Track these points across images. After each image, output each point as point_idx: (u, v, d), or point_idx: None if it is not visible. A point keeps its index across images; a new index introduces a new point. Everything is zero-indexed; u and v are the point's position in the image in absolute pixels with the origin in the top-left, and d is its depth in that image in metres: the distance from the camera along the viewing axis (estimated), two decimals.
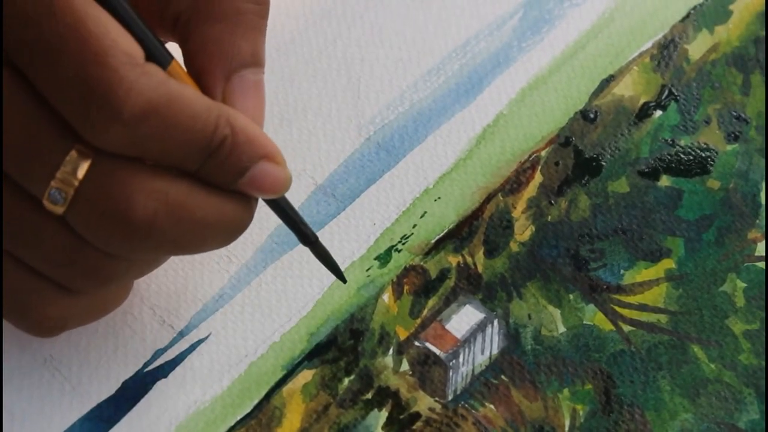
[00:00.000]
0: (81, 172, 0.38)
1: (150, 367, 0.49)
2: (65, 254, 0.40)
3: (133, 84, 0.37)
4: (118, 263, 0.42)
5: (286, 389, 0.49)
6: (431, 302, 0.51)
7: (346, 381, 0.49)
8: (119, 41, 0.37)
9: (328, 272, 0.50)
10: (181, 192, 0.40)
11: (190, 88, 0.39)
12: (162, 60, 0.39)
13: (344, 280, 0.49)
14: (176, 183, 0.40)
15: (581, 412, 0.48)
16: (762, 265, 0.52)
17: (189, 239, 0.41)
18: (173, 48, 0.42)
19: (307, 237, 0.46)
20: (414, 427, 0.48)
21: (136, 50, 0.38)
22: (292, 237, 0.50)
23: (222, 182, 0.41)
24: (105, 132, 0.37)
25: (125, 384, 0.48)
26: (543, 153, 0.55)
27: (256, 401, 0.48)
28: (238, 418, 0.48)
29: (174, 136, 0.38)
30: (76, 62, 0.37)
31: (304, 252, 0.51)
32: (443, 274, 0.51)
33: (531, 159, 0.54)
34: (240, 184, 0.41)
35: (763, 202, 0.53)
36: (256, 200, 0.43)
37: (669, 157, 0.55)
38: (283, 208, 0.45)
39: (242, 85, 0.42)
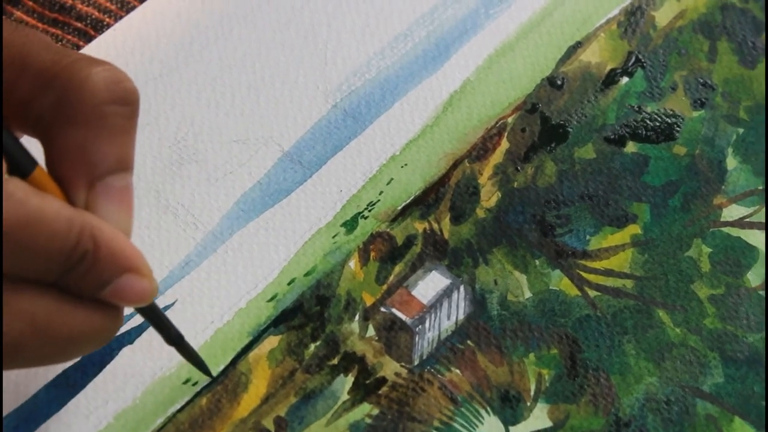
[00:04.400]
0: None
1: (116, 333, 0.48)
2: None
3: None
4: None
5: (252, 355, 0.49)
6: (397, 268, 0.51)
7: (312, 347, 0.49)
8: None
9: (295, 239, 0.51)
10: (48, 310, 0.39)
11: (51, 201, 0.38)
12: (25, 168, 0.39)
13: (211, 376, 0.48)
14: (42, 300, 0.39)
15: (547, 377, 0.49)
16: (728, 230, 0.52)
17: (57, 354, 0.40)
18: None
19: (171, 337, 0.45)
20: (380, 392, 0.48)
21: None
22: (259, 204, 0.50)
23: (84, 293, 0.40)
24: None
25: None
26: (510, 119, 0.55)
27: (222, 367, 0.48)
28: (205, 384, 0.48)
29: (31, 256, 0.37)
30: None
31: (270, 219, 0.51)
32: (409, 241, 0.51)
33: (498, 125, 0.54)
34: (102, 295, 0.40)
35: (729, 167, 0.53)
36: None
37: (635, 124, 0.55)
38: (148, 312, 0.44)
39: (107, 192, 0.40)
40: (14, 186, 0.37)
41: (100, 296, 0.40)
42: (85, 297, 0.40)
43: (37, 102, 0.40)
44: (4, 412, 0.47)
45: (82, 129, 0.40)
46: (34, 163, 0.39)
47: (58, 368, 0.48)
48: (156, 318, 0.45)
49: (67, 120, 0.40)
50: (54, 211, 0.38)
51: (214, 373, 0.48)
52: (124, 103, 0.41)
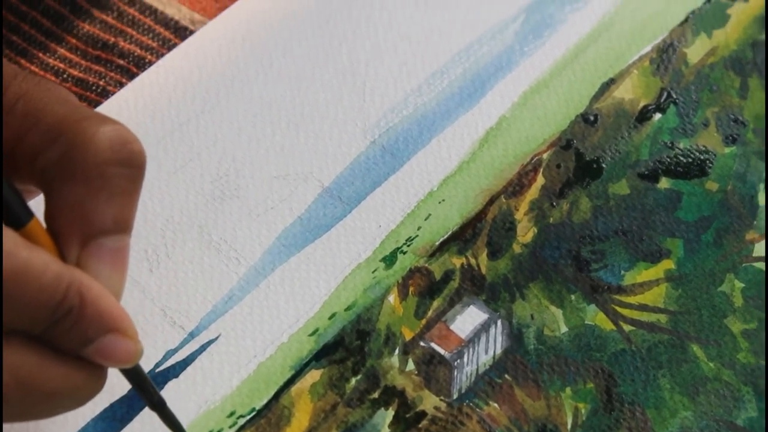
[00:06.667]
0: None
1: (161, 368, 0.49)
2: None
3: None
4: None
5: (294, 389, 0.49)
6: (436, 303, 0.52)
7: (353, 380, 0.50)
8: None
9: (336, 274, 0.51)
10: (32, 364, 0.39)
11: (41, 255, 0.38)
12: (20, 219, 0.39)
13: None
14: (27, 354, 0.39)
15: (583, 411, 0.49)
16: (760, 265, 0.53)
17: (36, 410, 0.40)
18: None
19: (154, 402, 0.45)
20: (420, 425, 0.49)
21: None
22: (300, 239, 0.50)
23: (67, 349, 0.40)
24: None
25: None
26: (545, 155, 0.55)
27: (265, 401, 0.49)
28: (248, 417, 0.49)
29: (17, 307, 0.38)
30: None
31: (311, 254, 0.52)
32: (447, 276, 0.52)
33: (533, 161, 0.55)
34: (86, 353, 0.40)
35: (761, 203, 0.54)
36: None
37: (668, 160, 0.55)
38: (132, 375, 0.44)
39: (100, 252, 0.41)
40: (5, 237, 0.37)
41: (84, 354, 0.40)
42: (69, 354, 0.40)
43: (44, 155, 0.40)
44: None
45: (82, 187, 0.40)
46: (29, 214, 0.40)
47: (105, 401, 0.48)
48: (139, 381, 0.44)
49: (68, 176, 0.40)
50: (42, 265, 0.38)
51: (258, 407, 0.49)
52: (128, 165, 0.41)
